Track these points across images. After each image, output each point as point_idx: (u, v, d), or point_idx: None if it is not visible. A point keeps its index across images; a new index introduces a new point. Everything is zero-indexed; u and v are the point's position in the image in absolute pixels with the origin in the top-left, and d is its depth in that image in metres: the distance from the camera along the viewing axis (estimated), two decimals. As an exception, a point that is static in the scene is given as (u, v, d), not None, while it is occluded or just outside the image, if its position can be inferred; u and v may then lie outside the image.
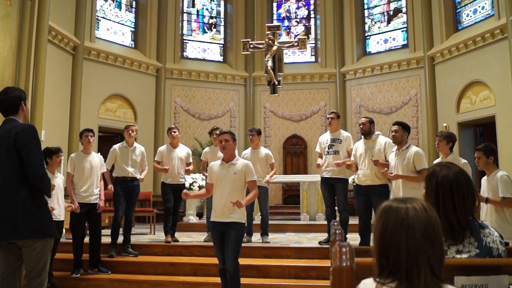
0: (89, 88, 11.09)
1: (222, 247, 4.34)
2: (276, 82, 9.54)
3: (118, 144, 6.58)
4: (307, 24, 14.65)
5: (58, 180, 5.43)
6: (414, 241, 1.35)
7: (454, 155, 5.04)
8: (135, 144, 6.60)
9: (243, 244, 4.46)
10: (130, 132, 6.49)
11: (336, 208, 6.54)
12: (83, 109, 10.84)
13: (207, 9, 14.48)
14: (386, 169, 5.31)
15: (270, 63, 9.48)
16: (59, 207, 5.35)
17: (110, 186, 6.18)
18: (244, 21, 14.15)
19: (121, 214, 6.31)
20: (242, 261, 4.32)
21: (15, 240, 3.01)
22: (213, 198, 4.43)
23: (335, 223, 3.36)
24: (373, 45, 13.67)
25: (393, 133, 5.21)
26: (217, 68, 13.92)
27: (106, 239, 6.20)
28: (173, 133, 7.03)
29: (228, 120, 13.61)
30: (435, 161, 4.64)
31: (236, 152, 4.67)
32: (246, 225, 4.59)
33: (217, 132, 7.12)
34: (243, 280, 4.41)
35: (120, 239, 6.36)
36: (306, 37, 10.59)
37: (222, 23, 14.53)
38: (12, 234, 2.97)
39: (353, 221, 6.62)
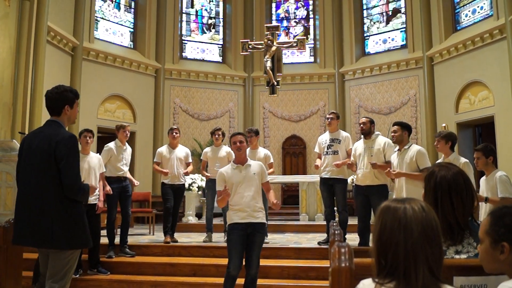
0: (88, 88, 11.08)
1: (242, 252, 4.20)
2: (275, 83, 9.55)
3: (112, 143, 6.47)
4: (306, 25, 14.66)
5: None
6: (412, 240, 1.36)
7: (455, 155, 5.02)
8: (126, 143, 6.58)
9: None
10: (127, 132, 6.47)
11: (335, 208, 6.54)
12: (82, 109, 10.79)
13: (206, 10, 14.48)
14: (389, 169, 5.27)
15: (269, 64, 9.49)
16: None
17: (109, 188, 6.10)
18: (243, 21, 14.16)
19: (115, 214, 6.30)
20: (241, 261, 4.32)
21: (49, 249, 3.02)
22: (233, 200, 4.28)
23: (334, 224, 3.37)
24: (372, 46, 13.68)
25: (392, 134, 5.21)
26: (216, 69, 13.92)
27: (105, 240, 6.20)
28: (174, 134, 7.00)
29: (227, 120, 13.62)
30: (437, 162, 4.63)
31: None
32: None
33: (219, 132, 7.13)
34: (242, 281, 4.41)
35: (117, 239, 6.35)
36: (305, 37, 10.59)
37: (221, 24, 14.53)
38: (47, 243, 2.96)
39: (352, 221, 6.62)
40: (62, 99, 3.15)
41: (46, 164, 2.99)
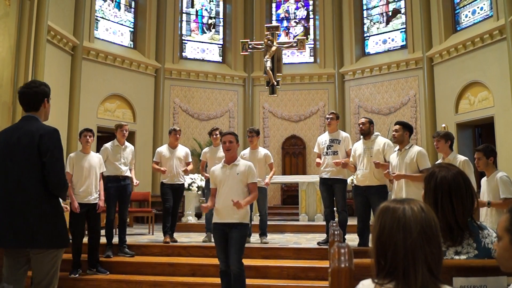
0: (88, 88, 11.08)
1: (225, 248, 4.29)
2: (275, 83, 9.54)
3: (109, 143, 6.50)
4: (306, 25, 14.66)
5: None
6: (411, 240, 1.36)
7: (455, 154, 5.04)
8: (126, 142, 6.59)
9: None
10: (125, 132, 6.48)
11: (334, 208, 6.54)
12: (82, 109, 10.83)
13: (206, 10, 14.48)
14: (388, 170, 5.28)
15: (269, 64, 9.48)
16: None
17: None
18: (243, 21, 14.16)
19: (114, 213, 6.30)
20: (241, 261, 4.32)
21: (29, 248, 2.86)
22: (216, 198, 4.40)
23: (334, 224, 3.36)
24: (372, 46, 13.68)
25: (393, 133, 5.20)
26: (216, 69, 13.92)
27: (105, 240, 6.20)
28: (177, 136, 7.03)
29: (227, 120, 13.61)
30: (436, 163, 4.62)
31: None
32: (249, 225, 4.55)
33: (217, 132, 7.13)
34: (249, 281, 4.41)
35: (116, 239, 6.36)
36: (305, 37, 10.58)
37: (221, 24, 14.53)
38: (28, 242, 2.81)
39: (352, 221, 6.61)
40: (42, 93, 3.06)
41: (29, 159, 2.86)
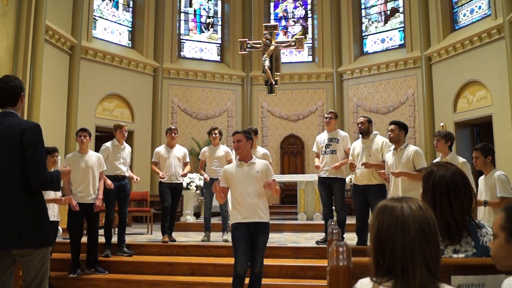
0: (86, 87, 11.07)
1: (248, 249, 4.19)
2: (274, 82, 9.54)
3: (109, 143, 6.50)
4: (304, 24, 14.65)
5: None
6: (409, 239, 1.36)
7: (453, 154, 5.05)
8: (124, 143, 6.59)
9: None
10: (125, 132, 6.48)
11: (333, 207, 6.54)
12: (80, 108, 10.82)
13: (204, 9, 14.47)
14: (383, 170, 5.31)
15: (267, 63, 9.48)
16: (54, 208, 5.34)
17: (109, 182, 6.02)
18: (241, 20, 14.15)
19: (113, 212, 6.31)
20: (240, 261, 4.31)
21: (17, 249, 2.76)
22: (235, 199, 4.31)
23: (332, 223, 3.36)
24: (370, 45, 13.68)
25: (389, 133, 5.21)
26: (214, 68, 13.91)
27: (103, 239, 6.20)
28: (173, 135, 7.02)
29: (226, 120, 13.61)
30: (434, 161, 4.63)
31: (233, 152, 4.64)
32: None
33: (216, 132, 7.14)
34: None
35: (115, 238, 6.35)
36: (303, 36, 10.59)
37: (219, 23, 14.52)
38: (15, 242, 2.72)
39: (351, 220, 6.62)
40: (19, 87, 2.98)
41: (11, 155, 2.77)
